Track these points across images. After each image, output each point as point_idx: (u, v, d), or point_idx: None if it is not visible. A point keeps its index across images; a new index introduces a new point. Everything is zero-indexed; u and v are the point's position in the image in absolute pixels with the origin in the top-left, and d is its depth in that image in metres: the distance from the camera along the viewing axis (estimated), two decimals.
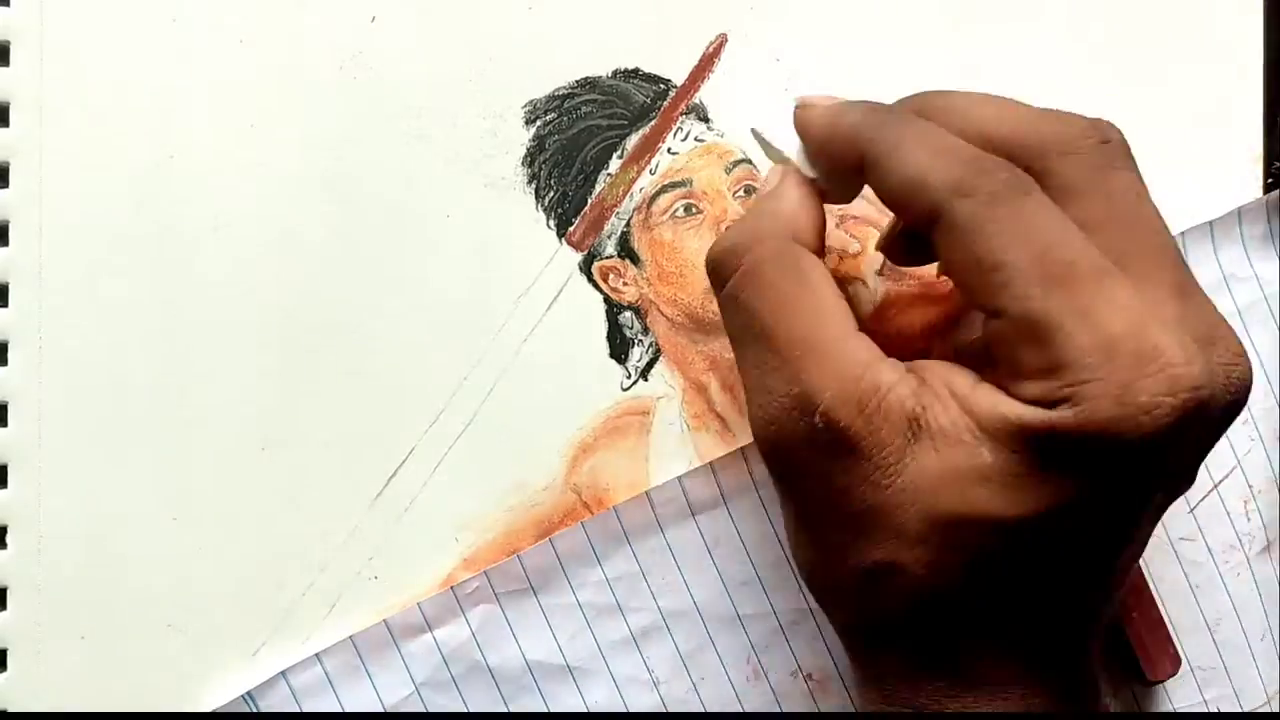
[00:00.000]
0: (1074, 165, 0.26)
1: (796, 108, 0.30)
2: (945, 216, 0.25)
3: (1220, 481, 0.37)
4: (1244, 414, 0.36)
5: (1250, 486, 0.37)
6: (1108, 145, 0.27)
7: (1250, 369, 0.26)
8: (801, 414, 0.26)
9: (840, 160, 0.28)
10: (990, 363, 0.25)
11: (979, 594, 0.25)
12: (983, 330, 0.25)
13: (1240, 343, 0.26)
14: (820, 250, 0.29)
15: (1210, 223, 0.36)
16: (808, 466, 0.26)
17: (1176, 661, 0.35)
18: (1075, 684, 0.27)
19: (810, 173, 0.29)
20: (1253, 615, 0.37)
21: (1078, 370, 0.23)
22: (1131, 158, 0.27)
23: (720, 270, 0.28)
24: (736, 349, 0.28)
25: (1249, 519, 0.37)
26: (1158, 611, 0.35)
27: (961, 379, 0.25)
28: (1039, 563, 0.25)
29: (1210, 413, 0.24)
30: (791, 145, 0.30)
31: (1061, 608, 0.26)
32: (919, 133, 0.27)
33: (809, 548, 0.28)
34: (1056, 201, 0.25)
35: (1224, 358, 0.25)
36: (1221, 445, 0.36)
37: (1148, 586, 0.36)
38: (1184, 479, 0.26)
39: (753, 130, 0.31)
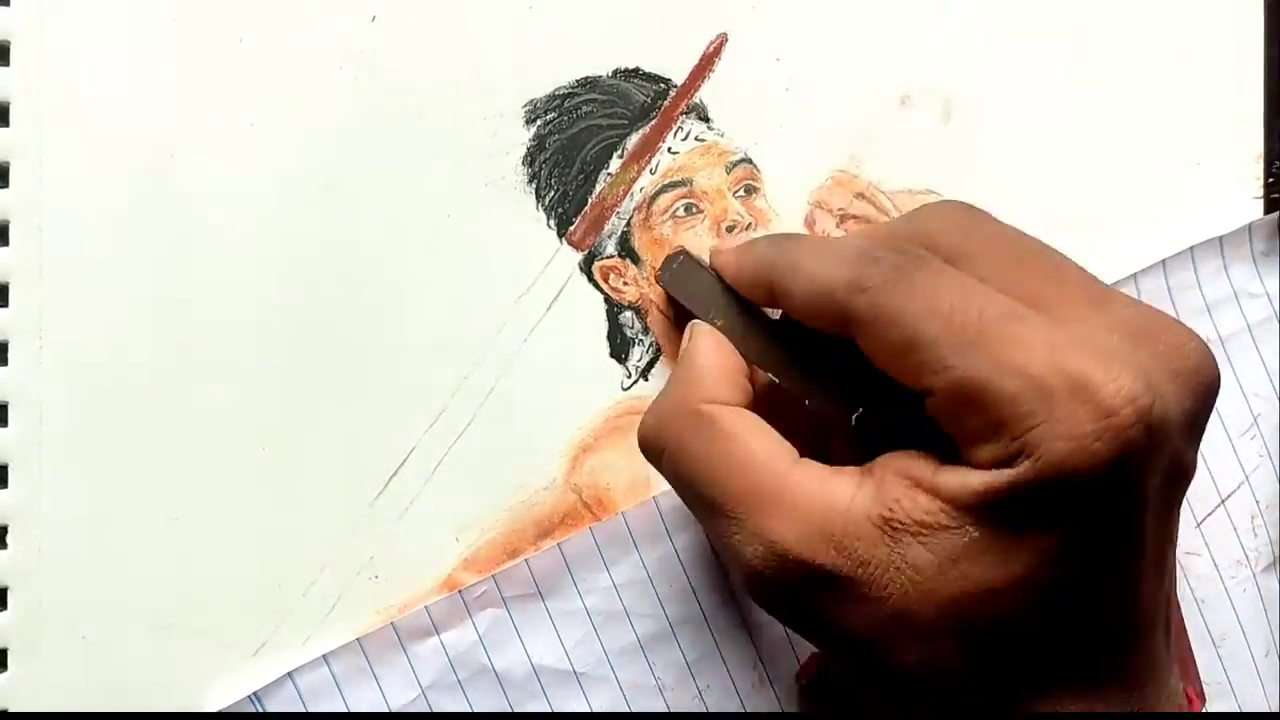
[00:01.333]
0: (950, 235, 0.27)
1: (711, 255, 0.31)
2: (852, 316, 0.25)
3: (1227, 497, 0.36)
4: (1252, 430, 0.36)
5: (1258, 502, 0.37)
6: (972, 209, 0.27)
7: (1202, 343, 0.25)
8: (777, 568, 0.25)
9: (757, 295, 0.29)
10: (942, 438, 0.25)
11: (1023, 651, 0.25)
12: (927, 410, 0.25)
13: (1181, 323, 0.25)
14: (744, 393, 0.29)
15: (1220, 238, 0.36)
16: (806, 609, 0.26)
17: (1201, 699, 0.35)
18: (1146, 682, 0.26)
19: (718, 318, 0.30)
20: (1258, 631, 0.36)
21: (1018, 421, 0.23)
22: (991, 215, 0.28)
23: (650, 454, 0.29)
24: (702, 523, 0.28)
25: (1256, 535, 0.37)
26: (1188, 650, 0.35)
27: (919, 465, 0.25)
28: (1066, 600, 0.24)
29: (1168, 410, 0.24)
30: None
31: (1106, 625, 0.25)
32: (811, 247, 0.27)
33: (843, 667, 0.28)
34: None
35: (1165, 346, 0.25)
36: (1229, 461, 0.36)
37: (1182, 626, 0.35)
38: (1178, 468, 0.26)
39: (660, 282, 0.33)
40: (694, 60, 0.35)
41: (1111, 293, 0.26)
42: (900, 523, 0.24)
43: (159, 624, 0.32)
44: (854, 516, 0.25)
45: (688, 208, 0.35)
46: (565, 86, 0.34)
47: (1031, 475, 0.23)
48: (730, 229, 0.35)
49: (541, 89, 0.34)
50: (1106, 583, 0.25)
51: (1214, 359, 0.25)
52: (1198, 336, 0.25)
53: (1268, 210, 0.37)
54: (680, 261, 0.32)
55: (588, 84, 0.34)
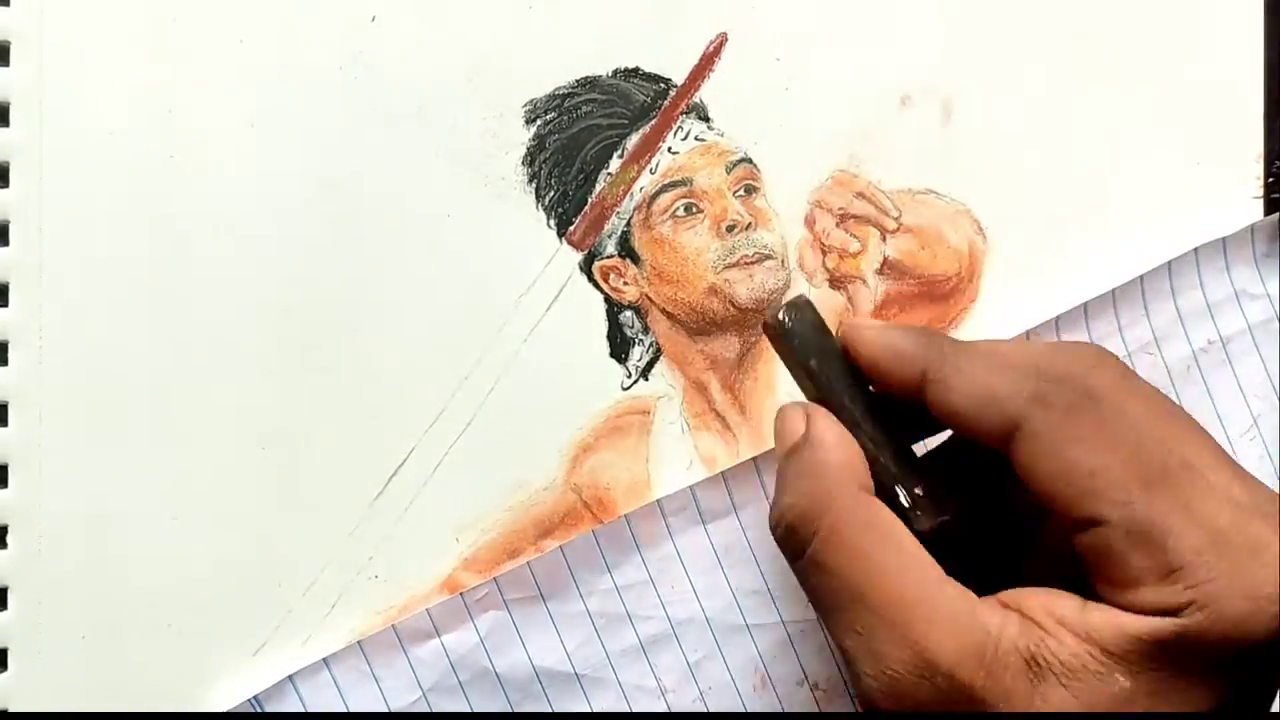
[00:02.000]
0: (1105, 379, 0.26)
1: (844, 328, 0.29)
2: (1025, 426, 0.25)
3: None
4: (1252, 431, 0.36)
5: None
6: (1118, 361, 0.27)
7: None
8: (924, 677, 0.25)
9: (894, 379, 0.28)
10: (1082, 573, 0.25)
11: None
12: (1075, 542, 0.25)
13: None
14: (870, 484, 0.28)
15: (1223, 239, 0.36)
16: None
17: None
18: None
19: (836, 395, 0.29)
20: None
21: (1195, 570, 0.23)
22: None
23: (795, 539, 0.27)
24: (826, 614, 0.27)
25: None
26: None
27: (1065, 604, 0.25)
28: None
29: None
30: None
31: None
32: (980, 354, 0.27)
33: None
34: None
35: None
36: None
37: None
38: None
39: (772, 329, 0.29)
40: (694, 60, 0.35)
41: (1238, 466, 0.26)
42: (1045, 661, 0.24)
43: (158, 623, 0.32)
44: (1003, 645, 0.25)
45: (688, 207, 0.35)
46: (565, 86, 0.34)
47: (1206, 626, 0.23)
48: (730, 228, 0.34)
49: (541, 89, 0.34)
50: None
51: None
52: None
53: (1268, 210, 0.37)
54: (799, 318, 0.29)
55: (588, 84, 0.34)
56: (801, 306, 0.29)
